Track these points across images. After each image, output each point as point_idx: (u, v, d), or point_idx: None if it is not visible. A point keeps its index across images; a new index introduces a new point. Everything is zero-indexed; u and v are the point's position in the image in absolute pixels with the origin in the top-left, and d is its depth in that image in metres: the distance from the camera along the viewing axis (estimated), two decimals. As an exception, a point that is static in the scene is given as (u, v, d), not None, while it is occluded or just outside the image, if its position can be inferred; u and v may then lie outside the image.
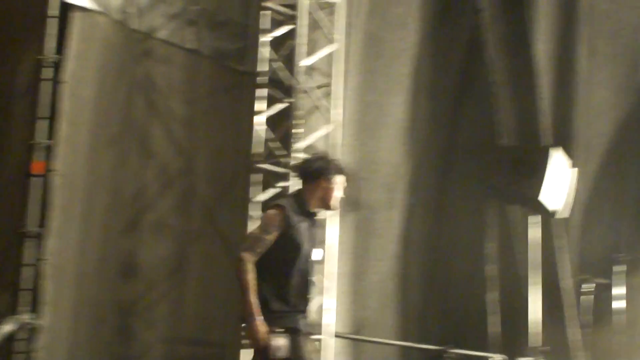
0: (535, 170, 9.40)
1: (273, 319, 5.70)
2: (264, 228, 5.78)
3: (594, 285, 10.61)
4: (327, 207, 6.07)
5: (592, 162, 11.88)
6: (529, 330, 9.41)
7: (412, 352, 9.76)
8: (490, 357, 9.96)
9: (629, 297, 10.85)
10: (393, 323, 9.81)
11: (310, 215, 5.96)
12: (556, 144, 10.16)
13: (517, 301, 10.25)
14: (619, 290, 10.74)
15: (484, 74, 10.64)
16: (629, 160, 12.24)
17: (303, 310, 5.89)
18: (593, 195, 11.83)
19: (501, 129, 10.66)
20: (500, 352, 10.09)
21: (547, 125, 11.12)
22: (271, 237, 5.75)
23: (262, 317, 5.64)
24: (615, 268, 10.73)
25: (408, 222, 10.04)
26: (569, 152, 10.15)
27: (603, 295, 10.79)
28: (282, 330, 5.72)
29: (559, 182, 9.58)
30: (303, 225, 5.87)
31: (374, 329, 9.60)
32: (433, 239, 10.30)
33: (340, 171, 6.02)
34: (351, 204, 9.50)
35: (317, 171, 5.97)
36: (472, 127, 10.68)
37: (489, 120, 10.65)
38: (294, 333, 5.77)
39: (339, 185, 6.01)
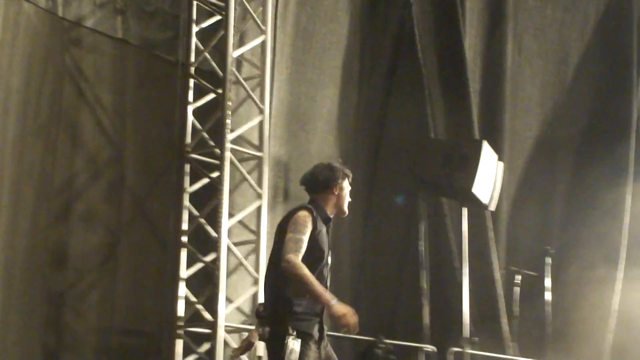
0: (467, 163, 9.45)
1: (294, 321, 5.80)
2: (300, 229, 5.84)
3: (522, 277, 10.73)
4: (341, 212, 6.23)
5: (519, 157, 12.03)
6: (463, 321, 9.44)
7: (345, 342, 9.76)
8: (422, 348, 10.04)
9: (555, 289, 10.99)
10: (326, 314, 9.78)
11: (327, 222, 6.11)
12: (484, 137, 10.24)
13: (450, 292, 10.32)
14: (547, 282, 10.89)
15: (414, 67, 10.71)
16: (556, 155, 12.42)
17: (320, 315, 5.97)
18: (521, 189, 11.97)
19: (430, 122, 10.74)
20: (432, 343, 10.16)
21: (476, 119, 11.24)
22: (306, 237, 5.84)
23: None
24: (545, 260, 10.86)
25: (339, 214, 10.04)
26: (496, 146, 10.23)
27: (530, 286, 10.92)
28: (296, 333, 5.78)
29: (488, 176, 9.66)
30: (323, 231, 6.02)
31: (306, 319, 9.58)
32: (364, 231, 10.31)
33: (346, 176, 6.19)
34: (282, 194, 9.51)
35: (327, 180, 6.11)
36: (402, 120, 10.72)
37: (419, 113, 10.72)
38: (308, 338, 5.85)
39: (347, 190, 6.19)
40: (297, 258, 5.69)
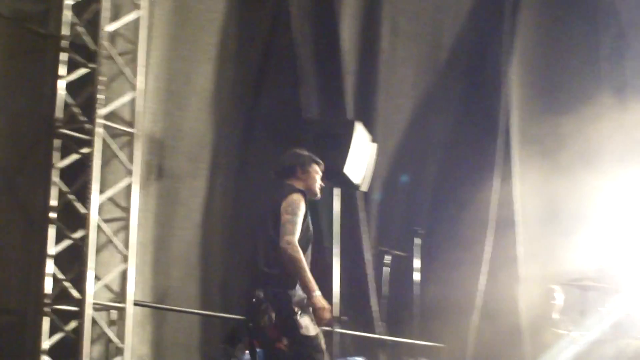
0: (339, 144, 9.51)
1: (296, 296, 6.31)
2: (294, 212, 6.27)
3: (391, 257, 10.87)
4: (313, 194, 6.68)
5: (392, 138, 12.18)
6: (332, 300, 9.54)
7: (215, 321, 9.77)
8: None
9: (423, 269, 11.17)
10: (196, 292, 9.78)
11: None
12: (358, 118, 10.32)
13: (320, 272, 10.38)
14: (416, 262, 11.06)
15: (289, 47, 10.72)
16: (427, 138, 12.61)
17: None
18: (392, 170, 12.13)
19: (304, 102, 10.79)
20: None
21: (350, 100, 11.33)
22: (301, 220, 6.26)
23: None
24: (415, 241, 11.03)
25: (211, 192, 10.02)
26: (369, 127, 10.33)
27: (400, 267, 11.08)
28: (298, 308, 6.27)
29: (360, 156, 9.74)
30: (308, 213, 6.45)
31: (177, 298, 9.55)
32: (236, 209, 10.30)
33: (312, 161, 6.70)
34: (154, 172, 9.44)
35: (292, 165, 6.66)
36: (275, 99, 10.73)
37: (292, 93, 10.76)
38: (306, 310, 6.33)
39: (314, 174, 6.68)
40: (295, 240, 6.15)
